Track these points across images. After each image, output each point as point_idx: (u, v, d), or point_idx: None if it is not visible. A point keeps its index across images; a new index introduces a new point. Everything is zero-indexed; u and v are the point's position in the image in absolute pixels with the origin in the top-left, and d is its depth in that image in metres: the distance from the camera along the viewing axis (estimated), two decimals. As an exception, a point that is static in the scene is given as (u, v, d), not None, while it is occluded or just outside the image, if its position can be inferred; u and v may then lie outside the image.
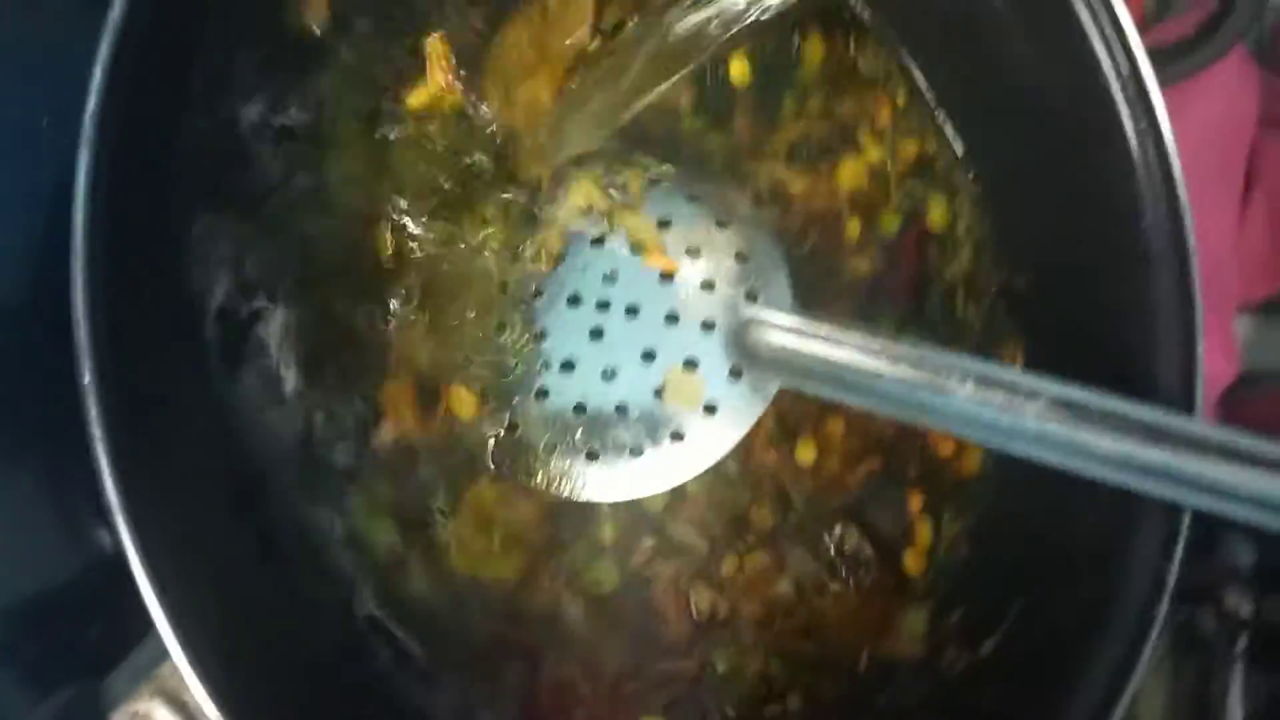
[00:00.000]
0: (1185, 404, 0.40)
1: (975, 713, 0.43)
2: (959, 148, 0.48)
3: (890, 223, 0.48)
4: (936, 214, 0.48)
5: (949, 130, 0.48)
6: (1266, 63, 0.59)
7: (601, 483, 0.43)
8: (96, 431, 0.34)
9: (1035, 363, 0.46)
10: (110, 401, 0.34)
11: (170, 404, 0.38)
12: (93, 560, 0.44)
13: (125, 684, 0.38)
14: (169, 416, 0.38)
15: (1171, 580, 0.39)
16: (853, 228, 0.48)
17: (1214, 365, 0.42)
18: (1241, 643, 0.53)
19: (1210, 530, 0.51)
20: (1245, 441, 0.37)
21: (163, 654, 0.35)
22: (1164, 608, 0.39)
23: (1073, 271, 0.45)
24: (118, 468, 0.34)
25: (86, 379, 0.33)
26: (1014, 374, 0.40)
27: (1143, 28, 0.45)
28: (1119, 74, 0.42)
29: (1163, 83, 0.42)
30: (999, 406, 0.39)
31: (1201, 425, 0.38)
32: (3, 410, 0.41)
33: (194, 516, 0.38)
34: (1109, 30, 0.42)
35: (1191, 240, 0.42)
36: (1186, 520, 0.39)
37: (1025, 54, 0.44)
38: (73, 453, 0.43)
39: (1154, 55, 0.42)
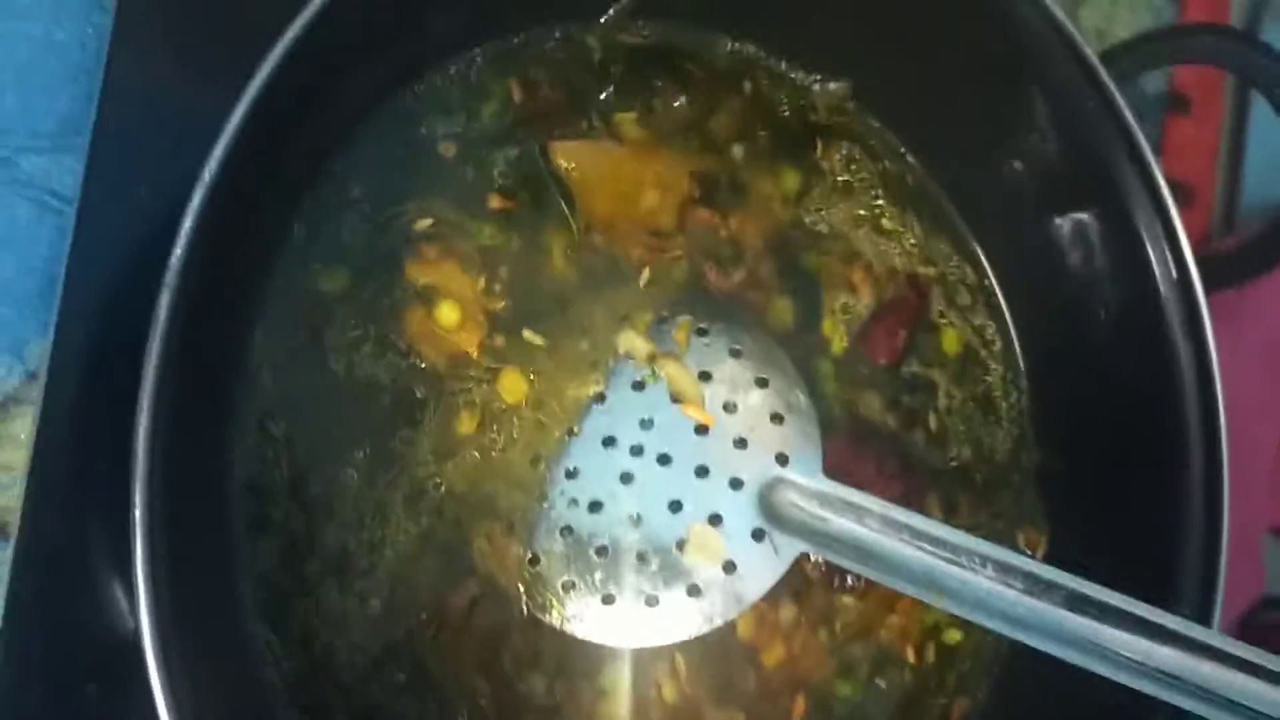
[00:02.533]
0: (1204, 614, 0.42)
1: None
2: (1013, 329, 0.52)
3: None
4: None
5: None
6: None
7: (614, 628, 0.45)
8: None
9: (1057, 554, 0.49)
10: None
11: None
12: (111, 649, 0.46)
13: None
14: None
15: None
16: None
17: (1237, 586, 0.44)
18: None
19: None
20: (1259, 656, 0.39)
21: None
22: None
23: (1104, 465, 0.48)
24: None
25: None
26: (1034, 564, 0.42)
27: (1207, 239, 0.48)
28: (1168, 276, 0.45)
29: (1209, 290, 0.46)
30: (1017, 594, 0.42)
31: (1218, 636, 0.40)
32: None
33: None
34: (1162, 236, 0.45)
35: (1224, 447, 0.45)
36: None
37: (1084, 255, 0.48)
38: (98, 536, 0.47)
39: (1204, 264, 0.46)
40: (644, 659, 0.47)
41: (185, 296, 0.34)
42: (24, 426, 0.47)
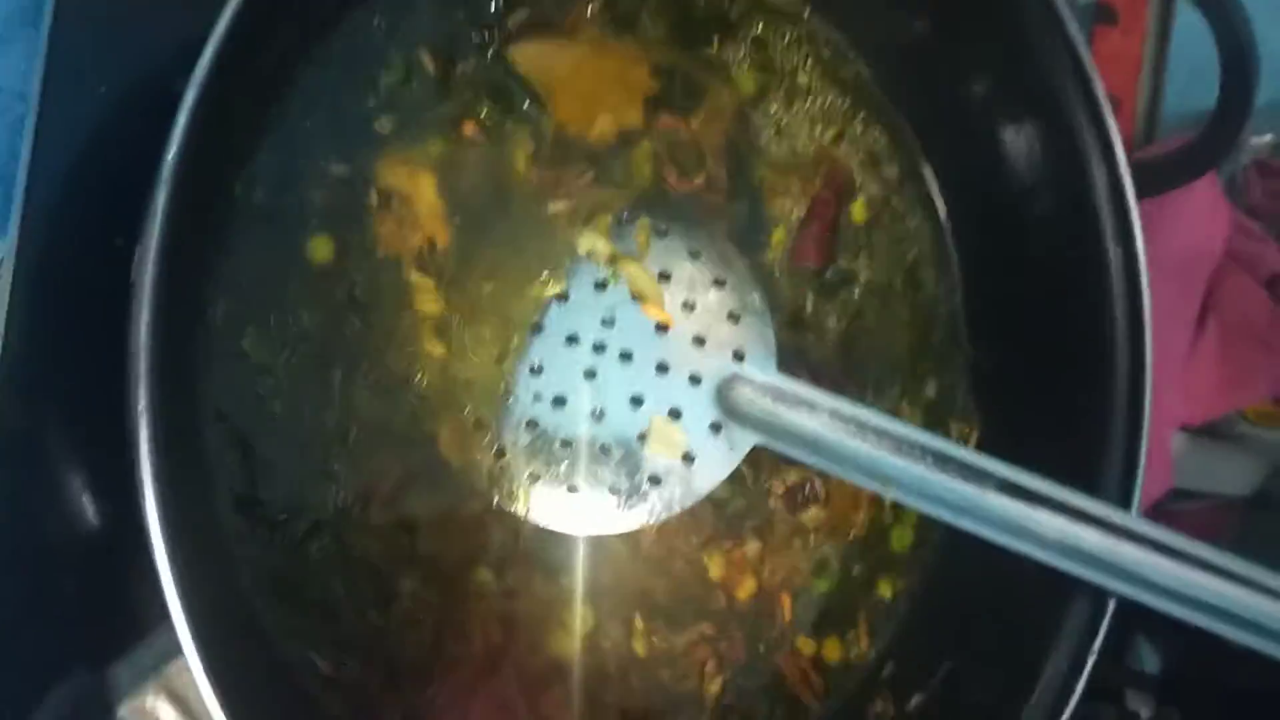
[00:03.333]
0: (1125, 501, 0.46)
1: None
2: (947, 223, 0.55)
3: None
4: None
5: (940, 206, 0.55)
6: (1236, 200, 0.66)
7: (577, 516, 0.48)
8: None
9: (988, 446, 0.52)
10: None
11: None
12: (82, 546, 0.48)
13: (129, 680, 0.41)
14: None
15: (1091, 660, 0.44)
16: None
17: (1150, 477, 0.48)
18: None
19: (1120, 634, 0.56)
20: (1173, 538, 0.43)
21: (170, 652, 0.38)
22: (1082, 683, 0.44)
23: (1035, 363, 0.52)
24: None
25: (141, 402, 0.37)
26: (970, 454, 0.46)
27: (1129, 148, 0.51)
28: (1104, 187, 0.48)
29: (1140, 196, 0.49)
30: (954, 482, 0.45)
31: (1138, 520, 0.44)
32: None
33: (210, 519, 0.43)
34: (1098, 147, 0.48)
35: (1148, 348, 0.48)
36: (1111, 606, 0.45)
37: (1024, 153, 0.51)
38: (63, 434, 0.48)
39: (1136, 171, 0.49)
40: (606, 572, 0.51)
41: (177, 195, 0.36)
42: None
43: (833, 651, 0.53)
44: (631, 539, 0.51)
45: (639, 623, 0.51)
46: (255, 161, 0.47)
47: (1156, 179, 0.58)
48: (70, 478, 0.47)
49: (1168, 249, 0.61)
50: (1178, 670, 0.60)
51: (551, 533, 0.49)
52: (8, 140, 0.50)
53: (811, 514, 0.53)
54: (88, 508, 0.47)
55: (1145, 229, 0.47)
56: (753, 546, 0.52)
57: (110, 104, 0.48)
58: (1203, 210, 0.63)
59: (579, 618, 0.50)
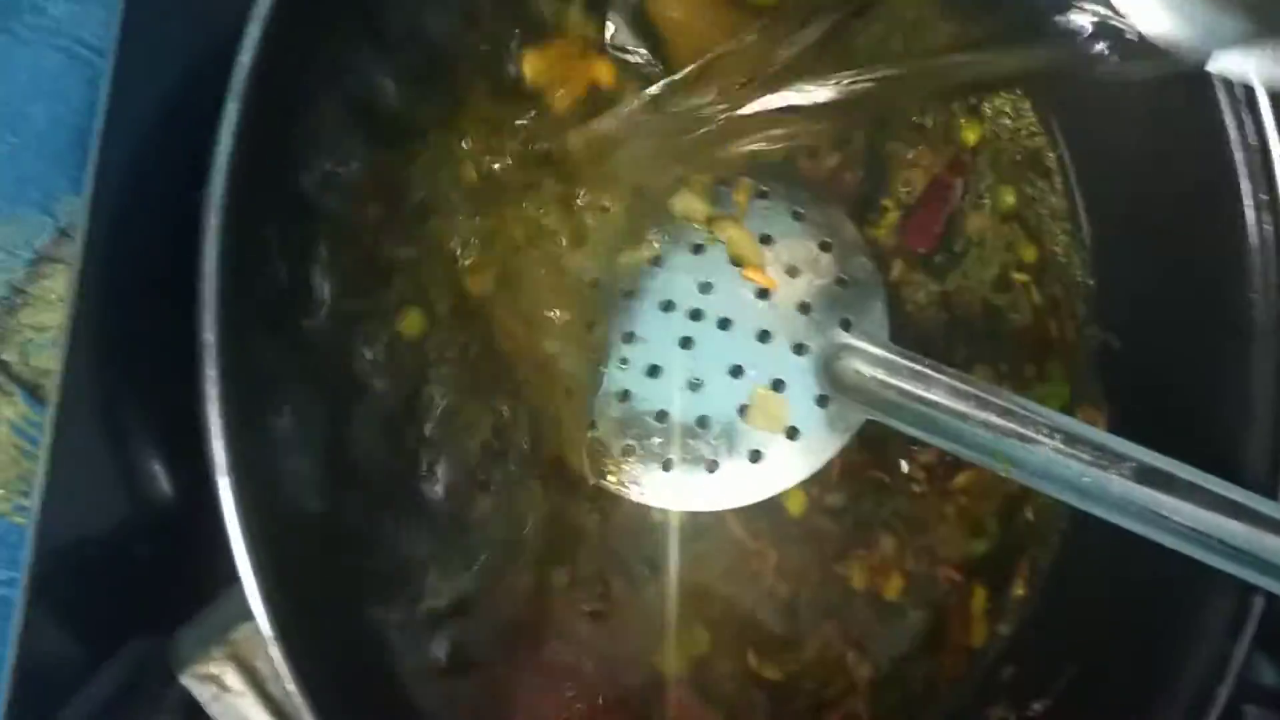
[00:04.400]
0: (1270, 487, 0.43)
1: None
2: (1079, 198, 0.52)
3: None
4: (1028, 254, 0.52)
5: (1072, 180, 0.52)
6: None
7: (673, 492, 0.46)
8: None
9: (1119, 429, 0.49)
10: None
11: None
12: (151, 512, 0.47)
13: (193, 646, 0.40)
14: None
15: (1237, 662, 0.41)
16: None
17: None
18: None
19: None
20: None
21: (236, 617, 0.37)
22: (1226, 689, 0.41)
23: (1170, 340, 0.48)
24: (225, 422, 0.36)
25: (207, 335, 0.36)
26: (1101, 435, 0.43)
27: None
28: (1245, 144, 0.45)
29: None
30: (1083, 465, 0.42)
31: (1281, 508, 0.41)
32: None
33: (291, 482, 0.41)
34: (1241, 101, 0.45)
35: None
36: (1259, 603, 0.42)
37: (1155, 115, 0.48)
38: (134, 399, 0.47)
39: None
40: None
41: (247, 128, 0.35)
42: (55, 286, 0.47)
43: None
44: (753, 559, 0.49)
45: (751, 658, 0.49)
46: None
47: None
48: (140, 440, 0.47)
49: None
50: None
51: (650, 529, 0.47)
52: (85, 95, 0.49)
53: (961, 479, 0.50)
54: (158, 472, 0.47)
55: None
56: (888, 543, 0.50)
57: (187, 58, 0.47)
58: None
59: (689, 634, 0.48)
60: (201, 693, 0.39)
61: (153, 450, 0.47)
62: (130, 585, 0.46)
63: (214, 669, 0.39)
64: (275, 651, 0.36)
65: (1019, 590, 0.51)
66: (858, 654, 0.49)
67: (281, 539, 0.37)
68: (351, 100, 0.44)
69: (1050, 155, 0.53)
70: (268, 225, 0.41)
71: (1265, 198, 0.46)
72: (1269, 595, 0.42)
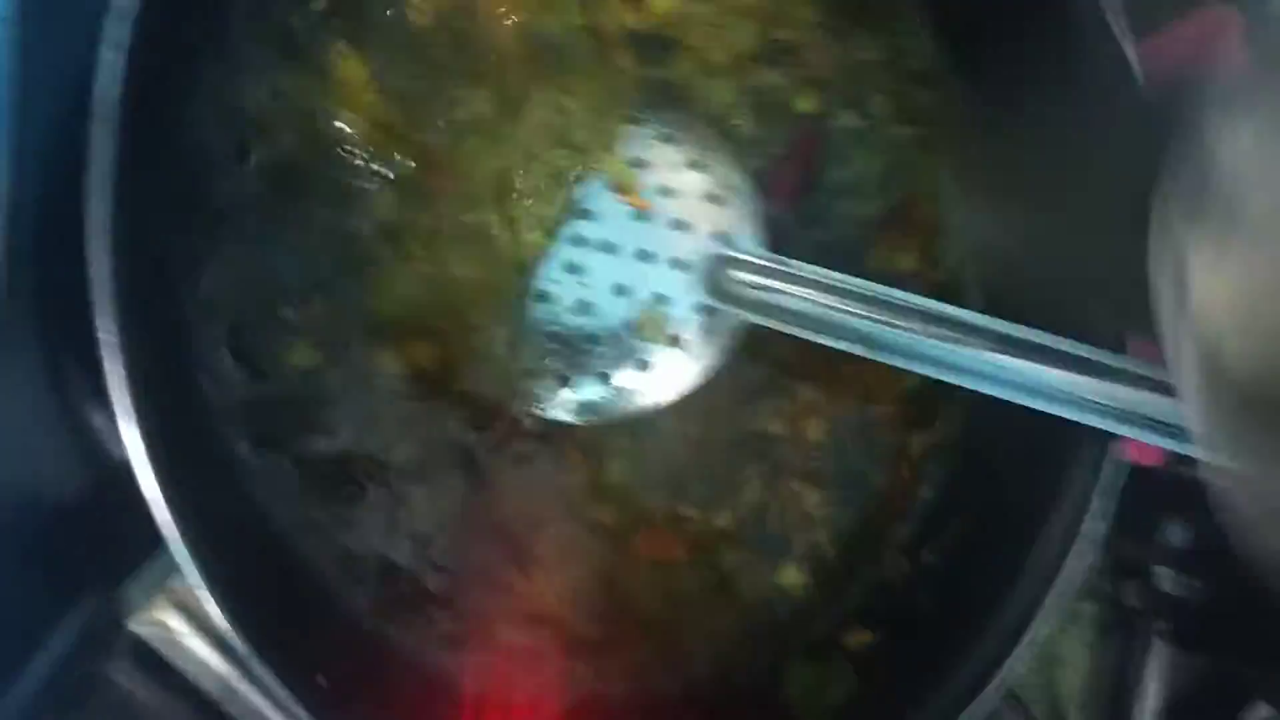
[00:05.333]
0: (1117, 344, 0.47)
1: (911, 616, 0.50)
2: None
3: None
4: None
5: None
6: None
7: (571, 405, 0.50)
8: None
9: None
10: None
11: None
12: (95, 465, 0.49)
13: (140, 594, 0.43)
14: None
15: (1098, 499, 0.46)
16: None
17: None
18: (1166, 623, 0.59)
19: (1148, 511, 0.57)
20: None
21: (175, 567, 0.39)
22: (1090, 525, 0.45)
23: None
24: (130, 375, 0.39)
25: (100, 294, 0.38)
26: (961, 312, 0.46)
27: None
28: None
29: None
30: (948, 343, 0.46)
31: (1131, 360, 0.45)
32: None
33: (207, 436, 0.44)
34: None
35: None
36: (1114, 447, 0.46)
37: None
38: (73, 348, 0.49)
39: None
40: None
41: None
42: None
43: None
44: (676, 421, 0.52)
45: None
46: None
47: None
48: (85, 397, 0.48)
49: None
50: (1206, 546, 0.61)
51: (562, 428, 0.51)
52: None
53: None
54: (103, 427, 0.49)
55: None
56: (806, 392, 0.53)
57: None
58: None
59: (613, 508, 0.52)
60: (150, 636, 0.42)
61: (98, 406, 0.49)
62: (77, 541, 0.47)
63: (159, 615, 0.42)
64: (206, 598, 0.39)
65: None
66: (801, 483, 0.53)
67: (203, 491, 0.40)
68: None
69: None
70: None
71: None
72: (1182, 457, 0.45)
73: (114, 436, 0.47)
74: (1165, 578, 0.61)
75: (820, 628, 0.53)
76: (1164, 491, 0.45)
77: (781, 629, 0.54)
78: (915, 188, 0.55)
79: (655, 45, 0.53)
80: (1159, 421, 0.44)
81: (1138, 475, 0.46)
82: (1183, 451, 0.43)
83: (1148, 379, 0.44)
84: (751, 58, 0.54)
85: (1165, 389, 0.44)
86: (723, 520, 0.53)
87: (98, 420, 0.48)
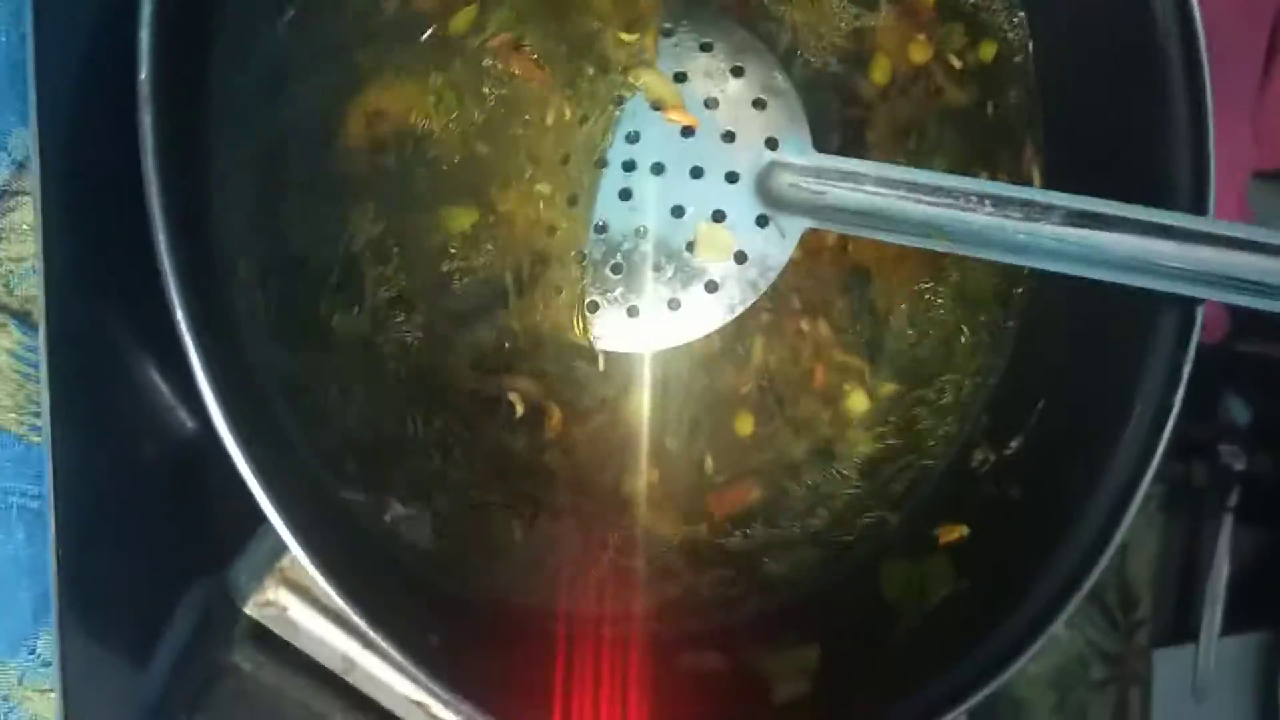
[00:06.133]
0: (1198, 205, 0.46)
1: (1005, 508, 0.50)
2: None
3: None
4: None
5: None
6: None
7: (645, 334, 0.49)
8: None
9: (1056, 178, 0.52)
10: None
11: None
12: (172, 438, 0.50)
13: (249, 578, 0.43)
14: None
15: (1187, 369, 0.45)
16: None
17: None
18: (1233, 497, 0.59)
19: (1209, 389, 0.56)
20: (1252, 232, 0.43)
21: (280, 547, 0.40)
22: (1180, 396, 0.45)
23: (1087, 79, 0.51)
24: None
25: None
26: (1028, 191, 0.45)
27: None
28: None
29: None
30: (1015, 223, 0.45)
31: (1210, 222, 0.44)
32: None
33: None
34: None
35: (1201, 41, 0.47)
36: (1200, 313, 0.45)
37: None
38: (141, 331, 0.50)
39: None
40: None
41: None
42: (25, 216, 0.49)
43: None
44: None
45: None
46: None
47: None
48: (151, 378, 0.49)
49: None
50: (1269, 421, 0.61)
51: (628, 359, 0.50)
52: (10, 27, 0.49)
53: None
54: (178, 408, 0.50)
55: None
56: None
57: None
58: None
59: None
60: (265, 617, 0.43)
61: (166, 383, 0.50)
62: (176, 529, 0.49)
63: (270, 595, 0.43)
64: (316, 575, 0.38)
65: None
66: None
67: (292, 467, 0.41)
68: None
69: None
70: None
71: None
72: (1241, 333, 0.45)
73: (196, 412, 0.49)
74: (1230, 455, 0.61)
75: (912, 525, 0.53)
76: (1225, 369, 0.44)
77: (873, 529, 0.53)
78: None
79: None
80: (1248, 281, 0.43)
81: (1199, 353, 0.46)
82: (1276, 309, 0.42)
83: (1232, 239, 0.43)
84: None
85: (1254, 246, 0.43)
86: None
87: (159, 383, 0.49)
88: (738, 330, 0.51)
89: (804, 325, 0.53)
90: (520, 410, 0.50)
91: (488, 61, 0.49)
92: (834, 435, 0.53)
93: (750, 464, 0.53)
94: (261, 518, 0.38)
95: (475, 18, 0.49)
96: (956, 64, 0.53)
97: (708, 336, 0.50)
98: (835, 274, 0.53)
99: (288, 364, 0.47)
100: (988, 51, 0.54)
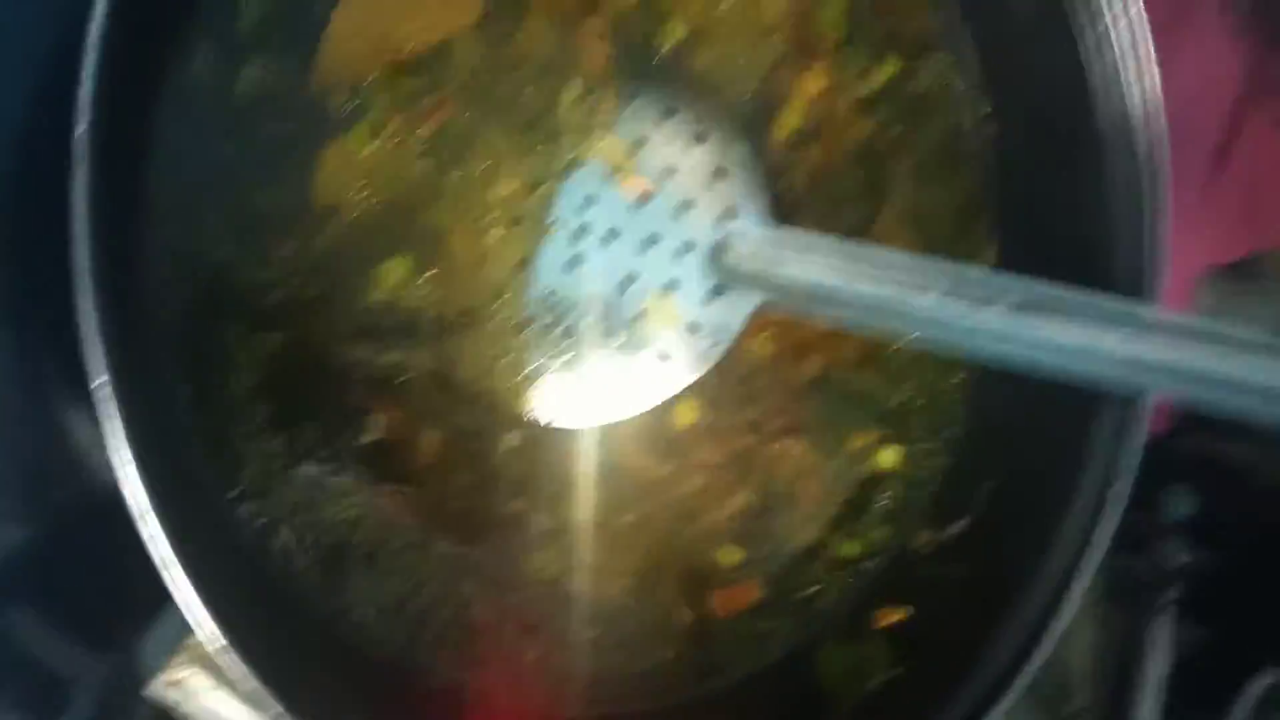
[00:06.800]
0: (1147, 296, 0.46)
1: (944, 591, 0.50)
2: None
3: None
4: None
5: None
6: (1250, 32, 0.64)
7: (590, 408, 0.49)
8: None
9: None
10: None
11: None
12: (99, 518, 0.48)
13: (156, 655, 0.41)
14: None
15: (1131, 460, 0.45)
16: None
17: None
18: (1172, 593, 0.59)
19: (1151, 484, 0.57)
20: (1201, 324, 0.43)
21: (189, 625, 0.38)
22: (1123, 487, 0.45)
23: (1038, 161, 0.51)
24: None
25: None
26: (979, 275, 0.45)
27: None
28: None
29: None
30: (963, 309, 0.45)
31: (1160, 312, 0.44)
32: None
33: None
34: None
35: (1158, 125, 0.47)
36: (1146, 405, 0.45)
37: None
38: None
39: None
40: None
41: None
42: None
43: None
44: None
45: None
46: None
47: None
48: (69, 420, 0.48)
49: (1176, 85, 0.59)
50: (1213, 515, 0.61)
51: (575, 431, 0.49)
52: None
53: None
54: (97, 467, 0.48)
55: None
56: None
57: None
58: (1212, 41, 0.61)
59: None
60: (171, 699, 0.41)
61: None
62: (80, 603, 0.47)
63: (180, 674, 0.41)
64: (226, 657, 0.37)
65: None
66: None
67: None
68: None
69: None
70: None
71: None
72: (1186, 425, 0.44)
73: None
74: (1173, 547, 0.61)
75: (851, 606, 0.53)
76: (1169, 461, 0.44)
77: (811, 611, 0.53)
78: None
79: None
80: (1193, 374, 0.43)
81: (1145, 444, 0.46)
82: (1223, 405, 0.42)
83: (1181, 329, 0.43)
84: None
85: (1202, 338, 0.43)
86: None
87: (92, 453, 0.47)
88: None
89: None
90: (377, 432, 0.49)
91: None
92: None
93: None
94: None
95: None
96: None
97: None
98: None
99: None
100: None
